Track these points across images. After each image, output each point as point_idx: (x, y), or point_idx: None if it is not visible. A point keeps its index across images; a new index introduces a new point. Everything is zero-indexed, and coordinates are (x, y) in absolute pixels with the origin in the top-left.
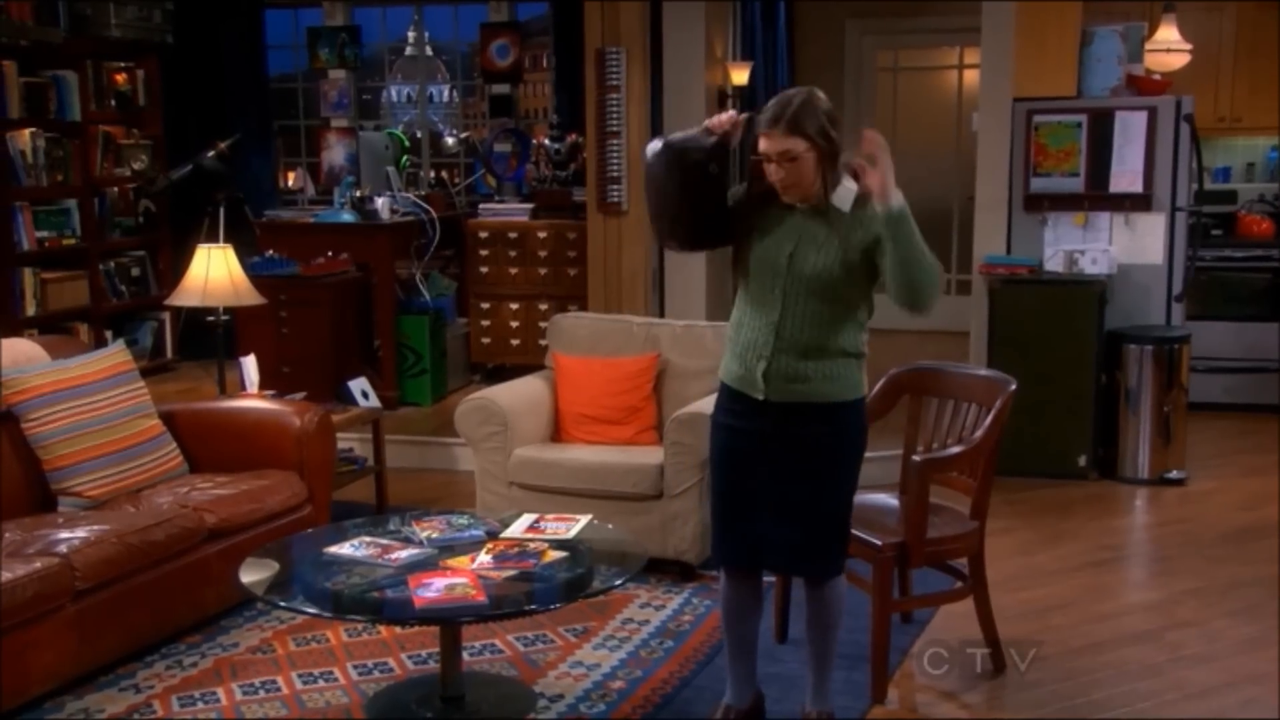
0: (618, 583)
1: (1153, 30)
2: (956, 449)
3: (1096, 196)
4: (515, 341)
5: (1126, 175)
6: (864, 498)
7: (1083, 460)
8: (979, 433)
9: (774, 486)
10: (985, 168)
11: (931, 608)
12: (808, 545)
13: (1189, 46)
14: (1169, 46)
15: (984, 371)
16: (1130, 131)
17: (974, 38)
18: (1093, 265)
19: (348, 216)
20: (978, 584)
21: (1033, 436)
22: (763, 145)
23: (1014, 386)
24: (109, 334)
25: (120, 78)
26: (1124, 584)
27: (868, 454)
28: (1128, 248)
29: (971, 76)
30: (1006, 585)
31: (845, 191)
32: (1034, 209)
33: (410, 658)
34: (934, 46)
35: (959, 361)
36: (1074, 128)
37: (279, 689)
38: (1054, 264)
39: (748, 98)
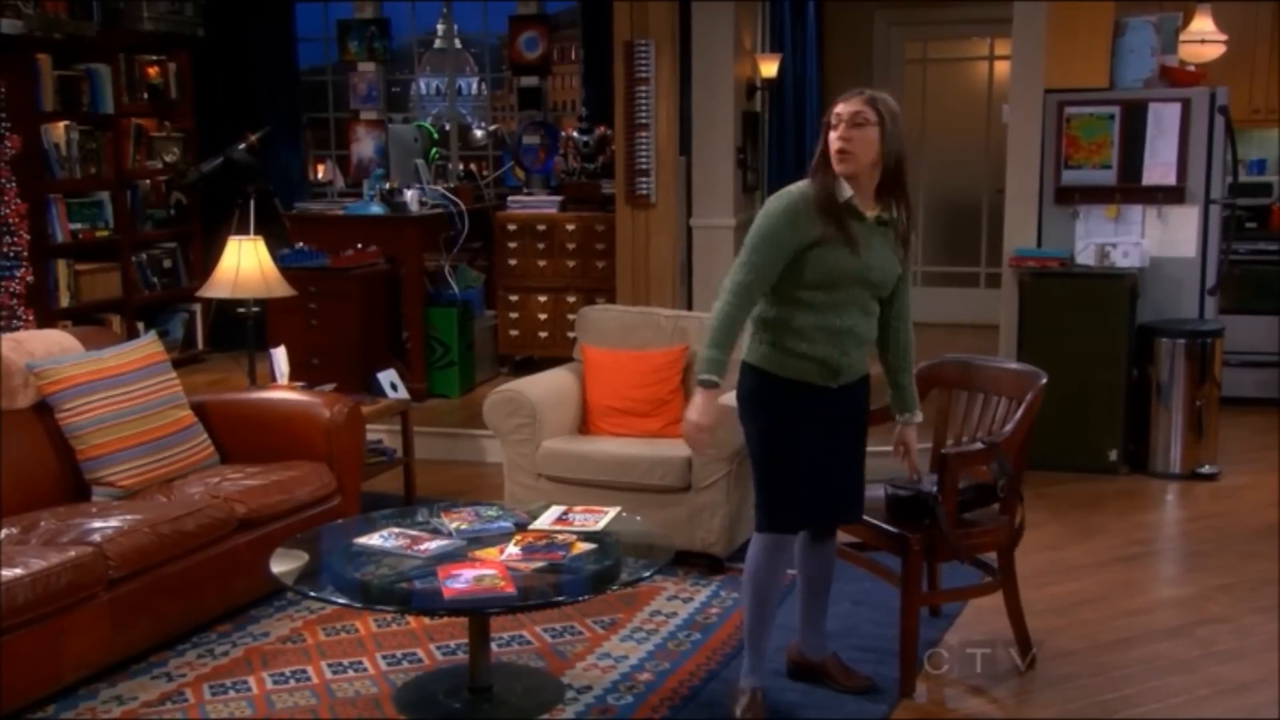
0: (646, 575)
1: (1187, 21)
2: (986, 442)
3: (1129, 189)
4: (543, 334)
5: (1159, 167)
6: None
7: (1113, 455)
8: (1009, 426)
9: (841, 449)
10: (1016, 160)
11: (960, 602)
12: (858, 491)
13: (1224, 37)
14: (1204, 37)
15: (1014, 365)
16: (1164, 123)
17: (1005, 29)
18: (1124, 258)
19: (377, 209)
20: (1007, 578)
21: (1063, 430)
22: (839, 108)
23: (1045, 380)
24: (141, 325)
25: (152, 71)
26: (1154, 579)
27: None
28: (1160, 241)
29: (1002, 68)
30: (1036, 580)
31: None
32: (1065, 202)
33: (439, 648)
34: (964, 38)
35: (988, 355)
36: (1106, 120)
37: (309, 678)
38: (1085, 257)
39: (776, 90)
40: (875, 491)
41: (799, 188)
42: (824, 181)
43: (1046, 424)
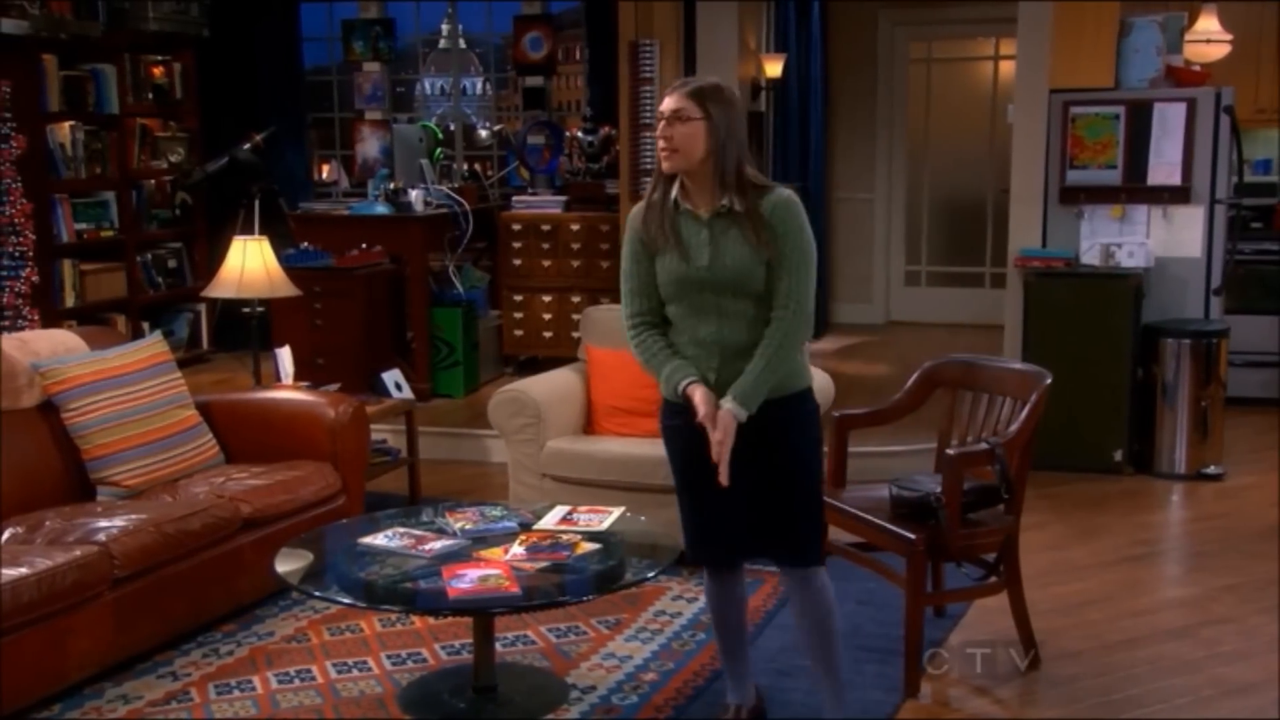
0: (650, 575)
1: (1192, 21)
2: (990, 443)
3: (1134, 189)
4: (548, 334)
5: (1165, 167)
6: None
7: (1118, 455)
8: (1014, 426)
9: (751, 479)
10: (1020, 160)
11: (965, 602)
12: (782, 529)
13: (1229, 37)
14: (1209, 37)
15: (1019, 365)
16: (1169, 123)
17: (1009, 28)
18: (1130, 258)
19: (382, 209)
20: (1012, 578)
21: (1068, 431)
22: (662, 103)
23: (1049, 380)
24: (146, 325)
25: (157, 71)
26: (1159, 580)
27: (901, 448)
28: (1165, 241)
29: (1007, 67)
30: (1040, 580)
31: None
32: (1070, 202)
33: (443, 648)
34: (968, 37)
35: (993, 355)
36: (1111, 119)
37: (314, 678)
38: (1090, 257)
39: (781, 90)
40: (880, 491)
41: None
42: (654, 184)
43: (1051, 424)
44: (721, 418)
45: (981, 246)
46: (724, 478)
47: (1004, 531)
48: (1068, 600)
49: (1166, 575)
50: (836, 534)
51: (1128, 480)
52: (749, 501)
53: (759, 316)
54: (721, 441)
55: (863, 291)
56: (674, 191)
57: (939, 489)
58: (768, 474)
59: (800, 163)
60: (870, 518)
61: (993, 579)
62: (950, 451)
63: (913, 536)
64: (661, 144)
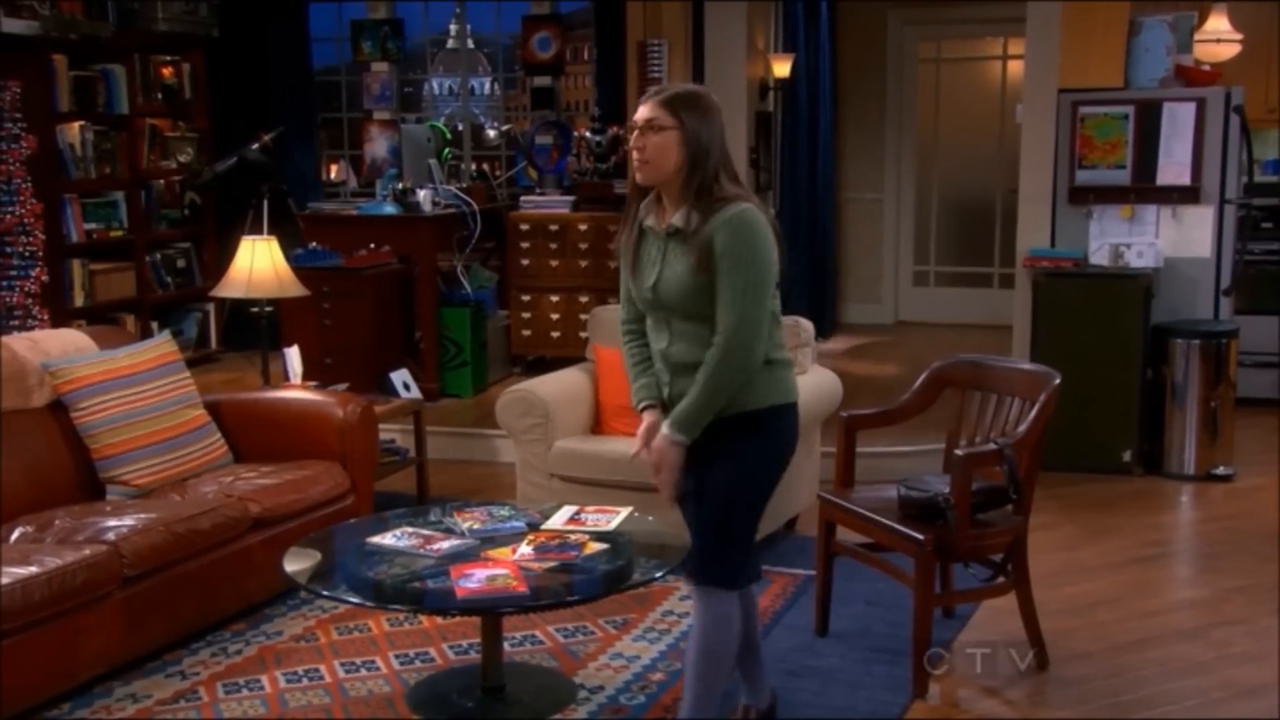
0: (658, 575)
1: (1202, 20)
2: (999, 443)
3: (1143, 189)
4: (556, 334)
5: (1174, 167)
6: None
7: (1127, 455)
8: (1022, 427)
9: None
10: (1029, 160)
11: (973, 603)
12: (694, 538)
13: (1239, 37)
14: (1219, 37)
15: (1028, 365)
16: (1178, 123)
17: (1019, 28)
18: (1139, 258)
19: (390, 209)
20: (1020, 579)
21: (1077, 431)
22: (636, 113)
23: (1058, 381)
24: (155, 325)
25: (167, 71)
26: (1170, 581)
27: (910, 448)
28: (1175, 241)
29: (1016, 67)
30: (1050, 580)
31: None
32: (1079, 202)
33: (451, 648)
34: (977, 37)
35: (1001, 355)
36: (1121, 119)
37: (322, 677)
38: (1099, 257)
39: (789, 90)
40: (888, 492)
41: None
42: (629, 197)
43: (1060, 425)
44: (656, 446)
45: (990, 247)
46: (665, 499)
47: (1013, 532)
48: (1077, 601)
49: (1176, 576)
50: (845, 534)
51: (1137, 481)
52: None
53: (712, 336)
54: (657, 469)
55: (871, 292)
56: (640, 207)
57: (947, 489)
58: (699, 485)
59: (809, 163)
60: (879, 518)
61: (1001, 580)
62: (959, 452)
63: (921, 537)
64: (634, 155)
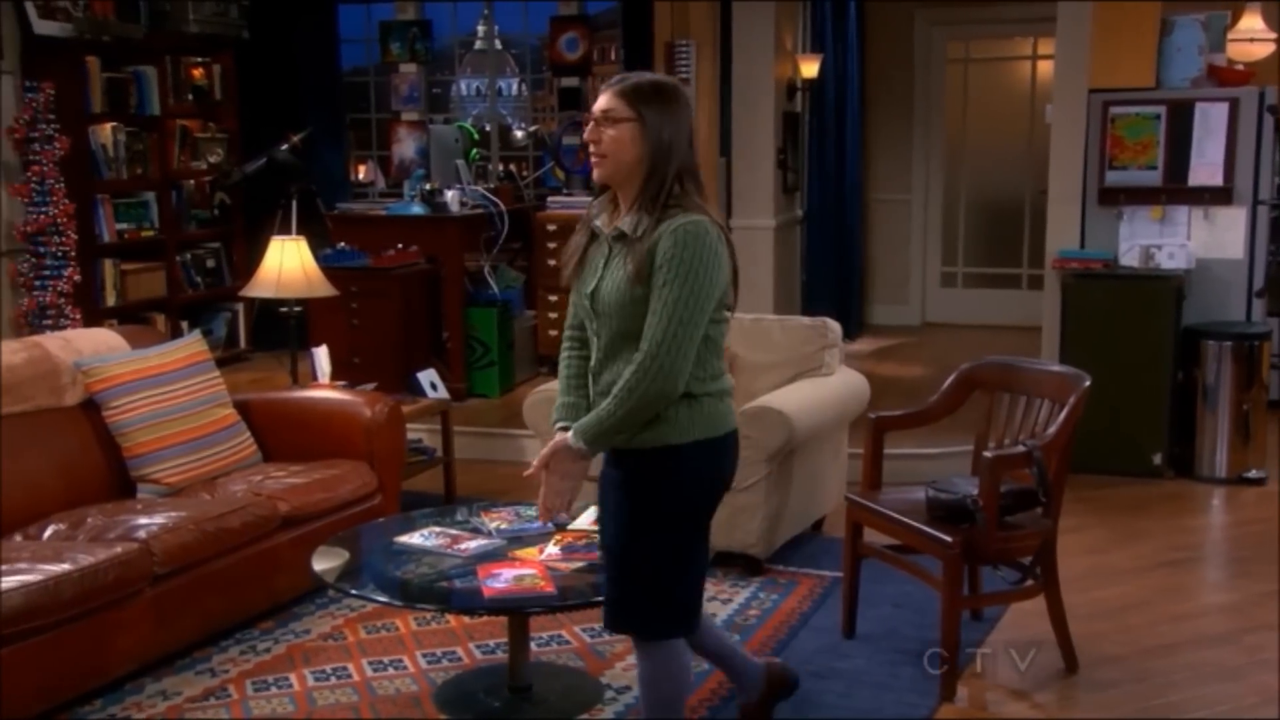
0: None
1: (1236, 19)
2: (1028, 445)
3: (1175, 190)
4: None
5: (1206, 168)
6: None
7: (1158, 458)
8: (1052, 429)
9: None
10: (1059, 161)
11: (1001, 605)
12: (612, 594)
13: (1274, 35)
14: (1253, 35)
15: (1057, 367)
16: (1211, 123)
17: (1048, 28)
18: (1170, 260)
19: (418, 209)
20: (1049, 582)
21: (1106, 433)
22: (594, 104)
23: (1088, 383)
24: (185, 324)
25: (197, 72)
26: (1201, 585)
27: (937, 450)
28: (1207, 242)
29: (1045, 67)
30: (1078, 584)
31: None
32: (1109, 202)
33: (478, 647)
34: (1006, 37)
35: (1030, 357)
36: (1152, 119)
37: (350, 675)
38: (1129, 258)
39: (817, 91)
40: (916, 494)
41: None
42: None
43: (1090, 427)
44: (552, 443)
45: (1018, 248)
46: (541, 508)
47: (1041, 535)
48: (1106, 605)
49: (1207, 581)
50: (873, 536)
51: (1168, 484)
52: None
53: (629, 358)
54: (536, 465)
55: (899, 293)
56: (594, 205)
57: (976, 491)
58: (610, 525)
59: (836, 164)
60: (906, 520)
61: (1030, 582)
62: (987, 454)
63: (949, 539)
64: (590, 148)
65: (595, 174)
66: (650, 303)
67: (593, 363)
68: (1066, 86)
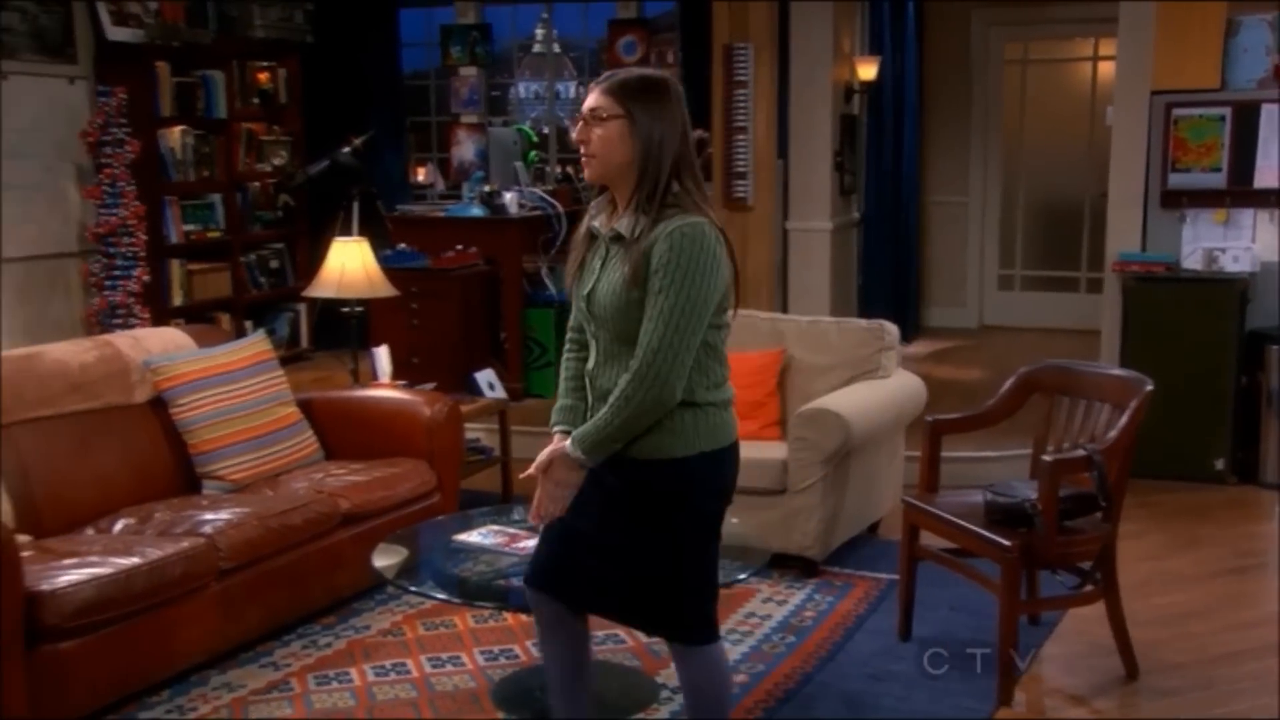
0: (741, 577)
1: None
2: (1088, 449)
3: (1239, 192)
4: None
5: (1272, 170)
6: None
7: (1220, 464)
8: (1113, 433)
9: (600, 531)
10: (1120, 163)
11: (1060, 610)
12: (639, 599)
13: None
14: None
15: (1119, 371)
16: (1278, 125)
17: (1110, 28)
18: (1234, 263)
19: (477, 211)
20: (1109, 587)
21: (1167, 438)
22: (585, 102)
23: (1150, 387)
24: (248, 324)
25: (263, 76)
26: (1265, 592)
27: (994, 453)
28: (1272, 245)
29: (1106, 68)
30: (1139, 590)
31: None
32: (1172, 205)
33: (535, 645)
34: (1066, 38)
35: (1088, 360)
36: (1217, 121)
37: (409, 671)
38: (1192, 261)
39: (875, 93)
40: (973, 497)
41: None
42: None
43: (1150, 431)
44: (550, 449)
45: (1077, 250)
46: (532, 514)
47: (1101, 540)
48: (1168, 611)
49: (1272, 588)
50: (930, 539)
51: (1231, 490)
52: (604, 557)
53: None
54: (534, 468)
55: (956, 295)
56: (593, 205)
57: (1035, 495)
58: (623, 539)
59: (894, 166)
60: (964, 523)
61: (1089, 587)
62: (1047, 458)
63: (1008, 543)
64: (581, 149)
65: (586, 174)
66: (646, 308)
67: (590, 365)
68: (1128, 88)
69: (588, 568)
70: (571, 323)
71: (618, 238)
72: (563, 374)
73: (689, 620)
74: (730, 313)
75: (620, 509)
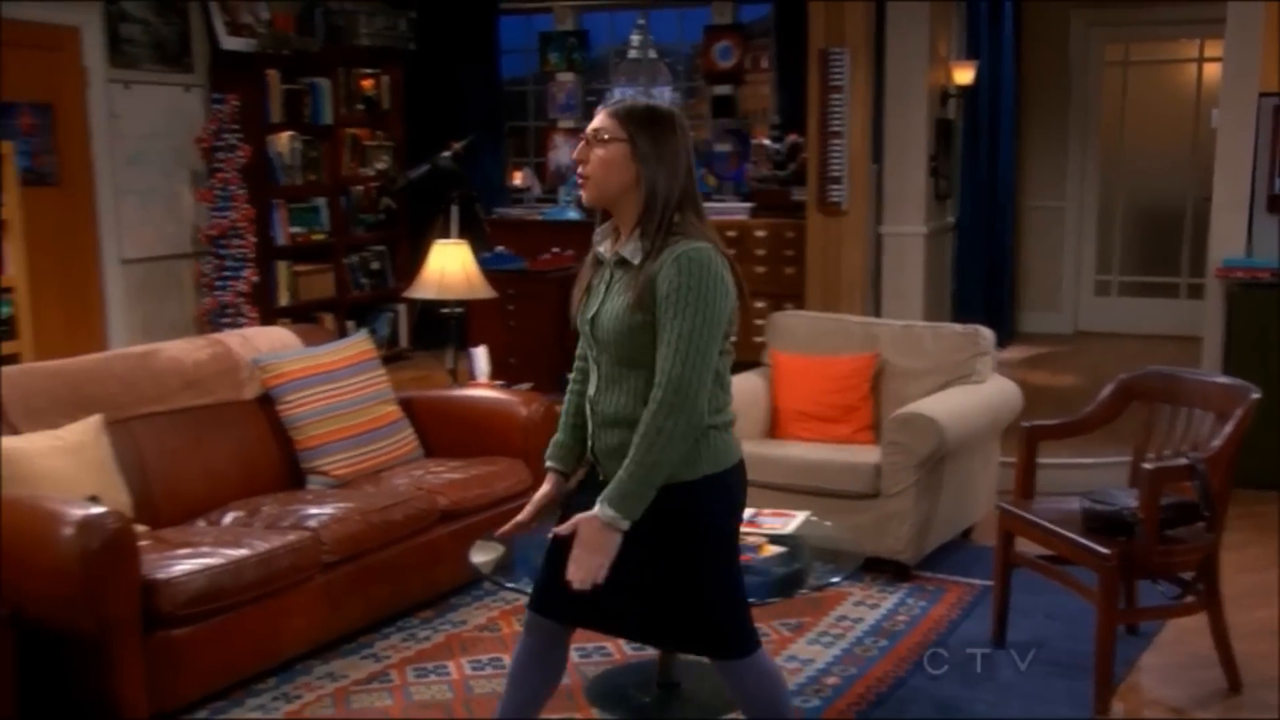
0: (834, 580)
1: None
2: (1191, 458)
3: None
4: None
5: None
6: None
7: None
8: (1217, 441)
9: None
10: (1225, 166)
11: (1159, 620)
12: (669, 624)
13: None
14: None
15: (1223, 379)
16: None
17: (1215, 29)
18: None
19: (573, 214)
20: (1212, 598)
21: (1273, 448)
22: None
23: (1256, 395)
24: (351, 324)
25: (367, 83)
26: None
27: (1091, 460)
28: None
29: (1211, 70)
30: (1242, 602)
31: None
32: (1278, 209)
33: (628, 644)
34: (1169, 39)
35: (1188, 367)
36: None
37: (504, 666)
38: None
39: (971, 97)
40: (1070, 504)
41: None
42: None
43: (1254, 440)
44: (584, 533)
45: (1177, 256)
46: (580, 583)
47: (1203, 550)
48: (1272, 625)
49: None
50: (1025, 545)
51: None
52: (627, 589)
53: (645, 389)
54: (590, 551)
55: (1051, 300)
56: (597, 231)
57: (1134, 504)
58: (642, 569)
59: (989, 170)
60: (1061, 530)
61: (1190, 598)
62: (1148, 466)
63: (1106, 551)
64: (578, 169)
65: (583, 196)
66: (659, 336)
67: (591, 391)
68: (1235, 89)
69: (615, 600)
70: (578, 351)
71: (622, 262)
72: (564, 408)
73: (723, 637)
74: (733, 338)
75: (634, 538)
